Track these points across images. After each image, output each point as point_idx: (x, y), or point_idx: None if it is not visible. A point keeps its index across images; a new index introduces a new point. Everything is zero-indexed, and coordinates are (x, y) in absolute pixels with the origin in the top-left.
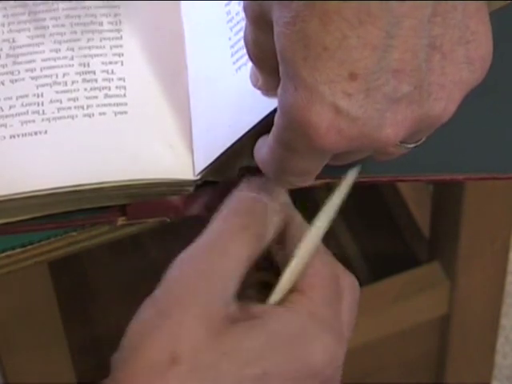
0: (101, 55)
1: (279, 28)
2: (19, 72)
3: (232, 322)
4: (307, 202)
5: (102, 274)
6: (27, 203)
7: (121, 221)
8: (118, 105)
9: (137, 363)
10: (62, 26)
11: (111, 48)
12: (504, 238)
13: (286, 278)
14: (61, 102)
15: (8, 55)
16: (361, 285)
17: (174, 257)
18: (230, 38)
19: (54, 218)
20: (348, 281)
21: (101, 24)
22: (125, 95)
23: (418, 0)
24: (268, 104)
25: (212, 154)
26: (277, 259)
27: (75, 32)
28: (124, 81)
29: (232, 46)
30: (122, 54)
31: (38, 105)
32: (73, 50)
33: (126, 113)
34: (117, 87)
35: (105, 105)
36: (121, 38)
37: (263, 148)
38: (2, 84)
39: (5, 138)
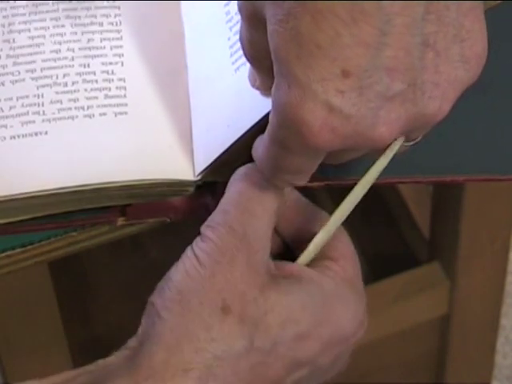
0: (101, 56)
1: (272, 26)
2: (19, 73)
3: (273, 277)
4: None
5: (102, 274)
6: (27, 203)
7: (121, 221)
8: (118, 105)
9: (189, 307)
10: (62, 26)
11: (111, 48)
12: (504, 238)
13: (318, 241)
14: (61, 102)
15: (8, 56)
16: None
17: (174, 257)
18: (229, 38)
19: (54, 218)
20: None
21: (101, 24)
22: (125, 96)
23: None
24: (267, 104)
25: (212, 154)
26: (279, 230)
27: (75, 32)
28: (124, 81)
29: (231, 46)
30: (122, 55)
31: (39, 105)
32: (73, 50)
33: (126, 113)
34: (117, 88)
35: (105, 105)
36: (121, 38)
37: (260, 146)
38: (3, 85)
39: (5, 138)
